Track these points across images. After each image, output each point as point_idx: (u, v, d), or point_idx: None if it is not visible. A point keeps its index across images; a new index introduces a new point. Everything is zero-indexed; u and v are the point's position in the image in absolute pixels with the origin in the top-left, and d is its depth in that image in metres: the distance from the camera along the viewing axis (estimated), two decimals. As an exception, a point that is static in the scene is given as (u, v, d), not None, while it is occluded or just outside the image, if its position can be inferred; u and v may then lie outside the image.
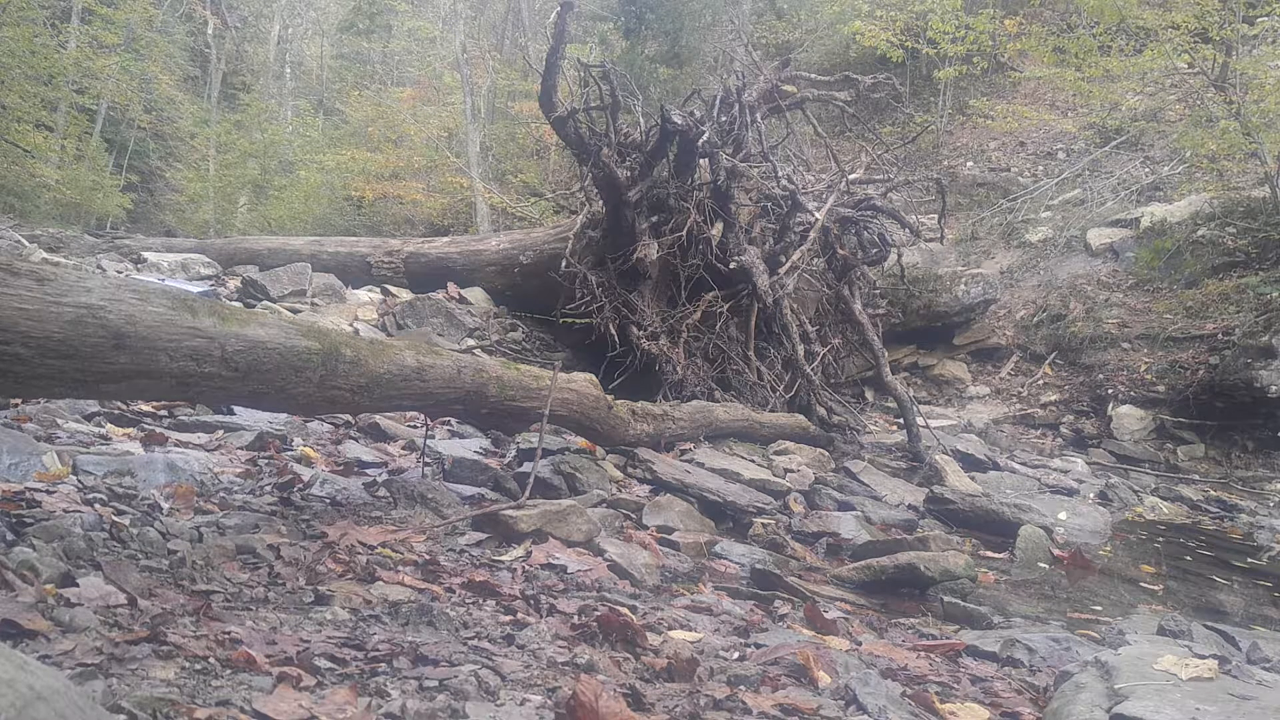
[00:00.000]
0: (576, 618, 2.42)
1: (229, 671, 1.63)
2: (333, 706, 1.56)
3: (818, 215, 7.72)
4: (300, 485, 3.38)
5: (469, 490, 3.88)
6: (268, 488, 3.34)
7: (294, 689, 1.61)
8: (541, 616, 2.40)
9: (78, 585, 1.90)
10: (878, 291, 9.83)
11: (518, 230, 12.91)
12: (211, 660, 1.66)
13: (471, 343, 8.34)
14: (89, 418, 3.88)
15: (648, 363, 7.58)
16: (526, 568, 2.92)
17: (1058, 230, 13.10)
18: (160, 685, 1.51)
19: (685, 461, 5.30)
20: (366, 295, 9.56)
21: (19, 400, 3.57)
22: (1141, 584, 4.53)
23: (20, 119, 17.36)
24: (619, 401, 5.04)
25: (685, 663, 2.12)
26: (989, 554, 4.78)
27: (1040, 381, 11.05)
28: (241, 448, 3.95)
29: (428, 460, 4.19)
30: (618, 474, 4.80)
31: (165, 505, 2.80)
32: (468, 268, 10.03)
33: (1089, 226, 12.73)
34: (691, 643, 2.31)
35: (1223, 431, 9.21)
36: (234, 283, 9.24)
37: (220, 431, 4.15)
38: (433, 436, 4.59)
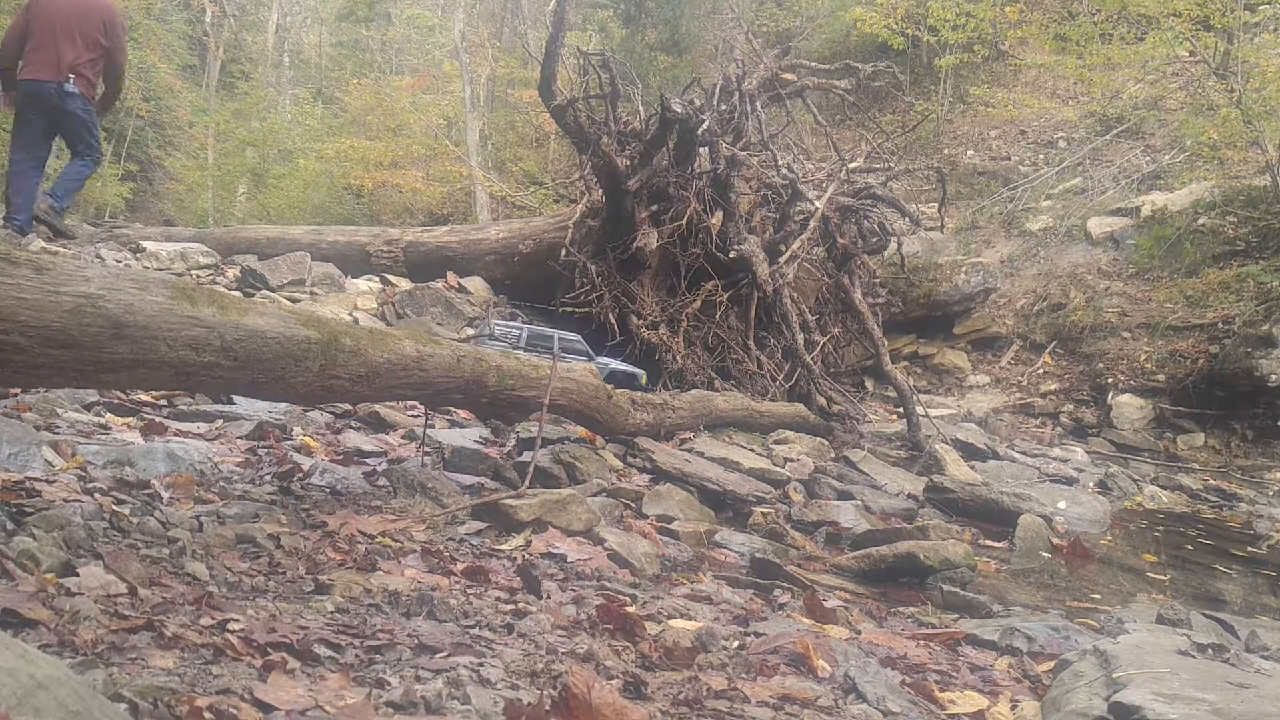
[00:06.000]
0: (576, 607, 2.43)
1: (229, 660, 1.64)
2: (332, 694, 1.56)
3: (818, 204, 7.71)
4: (300, 475, 3.38)
5: (469, 479, 3.88)
6: (267, 477, 3.34)
7: (294, 677, 1.61)
8: (541, 606, 2.40)
9: (78, 574, 1.90)
10: (878, 280, 9.82)
11: (517, 219, 12.90)
12: (212, 649, 1.66)
13: (471, 332, 8.34)
14: (88, 407, 3.88)
15: (647, 351, 7.59)
16: (526, 557, 2.92)
17: (1058, 219, 13.08)
18: (160, 674, 1.51)
19: (685, 450, 5.30)
20: (366, 284, 9.55)
21: (18, 389, 3.57)
22: (1146, 574, 4.54)
23: (18, 109, 17.29)
24: (618, 390, 5.04)
25: (685, 651, 2.13)
26: (989, 543, 4.79)
27: (1040, 370, 11.05)
28: (241, 437, 3.96)
29: (427, 449, 4.19)
30: (617, 463, 4.80)
31: (165, 495, 2.80)
32: (467, 257, 10.02)
33: (1090, 215, 12.71)
34: (691, 631, 2.32)
35: (1222, 420, 9.22)
36: (233, 272, 9.22)
37: (220, 421, 4.15)
38: (432, 426, 4.59)
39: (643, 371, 7.40)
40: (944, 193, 9.56)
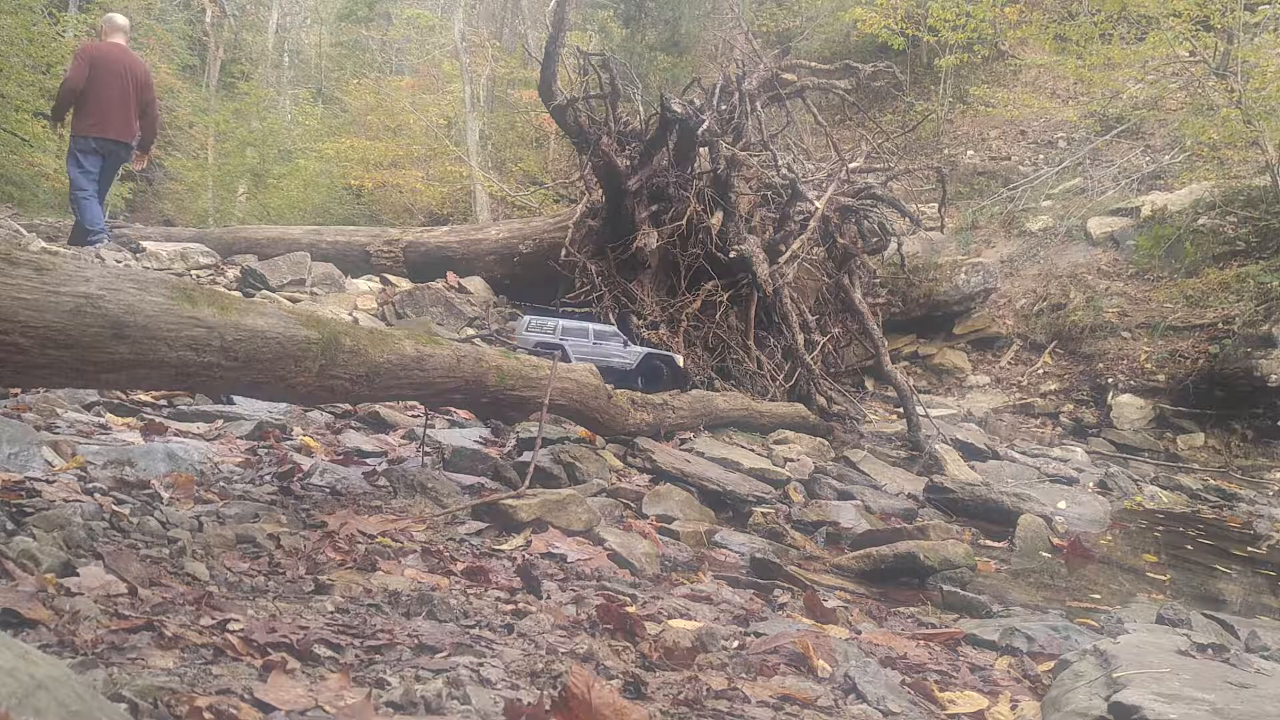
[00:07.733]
0: (576, 607, 2.43)
1: (229, 660, 1.64)
2: (332, 694, 1.56)
3: (818, 204, 7.70)
4: (300, 474, 3.38)
5: (469, 479, 3.88)
6: (267, 477, 3.34)
7: (294, 677, 1.61)
8: (541, 606, 2.40)
9: (78, 574, 1.90)
10: (878, 280, 9.82)
11: (517, 219, 12.90)
12: (212, 649, 1.66)
13: (471, 332, 8.33)
14: (88, 407, 3.88)
15: (648, 352, 7.56)
16: (526, 556, 2.92)
17: (1058, 219, 13.08)
18: (160, 674, 1.51)
19: (685, 450, 5.30)
20: (366, 284, 9.54)
21: (18, 389, 3.57)
22: (1146, 574, 4.54)
23: (19, 108, 17.28)
24: (618, 390, 5.04)
25: (685, 651, 2.13)
26: (989, 543, 4.79)
27: (1040, 370, 11.05)
28: (241, 437, 3.96)
29: (427, 449, 4.19)
30: (617, 463, 4.80)
31: (165, 495, 2.80)
32: (467, 257, 10.01)
33: (1090, 215, 12.71)
34: (691, 631, 2.32)
35: (1222, 420, 9.22)
36: (233, 272, 9.22)
37: (220, 421, 4.15)
38: (432, 426, 4.59)
39: (678, 355, 7.21)
40: (944, 193, 9.55)
